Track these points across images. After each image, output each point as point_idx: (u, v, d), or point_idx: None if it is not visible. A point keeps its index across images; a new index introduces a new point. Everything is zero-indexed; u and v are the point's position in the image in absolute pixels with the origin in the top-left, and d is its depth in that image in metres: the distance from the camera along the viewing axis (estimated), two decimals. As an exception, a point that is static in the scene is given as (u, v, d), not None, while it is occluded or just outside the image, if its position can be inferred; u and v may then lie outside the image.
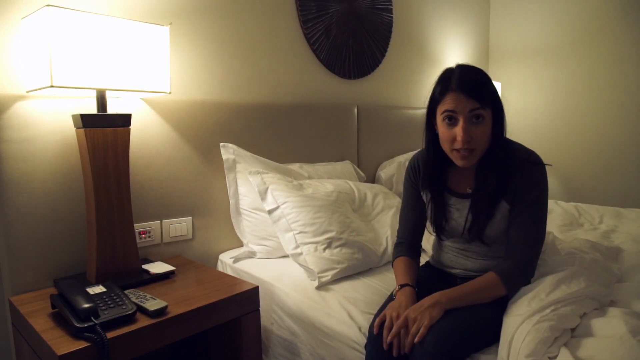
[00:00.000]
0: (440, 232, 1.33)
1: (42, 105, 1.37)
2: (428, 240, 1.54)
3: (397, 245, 1.40)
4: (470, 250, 1.30)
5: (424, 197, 1.34)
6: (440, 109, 1.16)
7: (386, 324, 1.08)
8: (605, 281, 1.25)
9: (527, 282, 1.18)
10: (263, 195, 1.67)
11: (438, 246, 1.41)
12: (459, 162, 1.18)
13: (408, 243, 1.38)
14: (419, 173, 1.34)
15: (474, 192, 1.23)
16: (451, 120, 1.14)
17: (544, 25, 3.20)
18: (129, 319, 1.11)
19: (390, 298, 1.25)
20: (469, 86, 1.11)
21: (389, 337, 1.05)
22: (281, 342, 1.49)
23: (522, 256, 1.16)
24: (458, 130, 1.12)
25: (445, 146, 1.19)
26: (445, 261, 1.36)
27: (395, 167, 2.42)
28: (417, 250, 1.39)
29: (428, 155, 1.29)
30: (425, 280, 1.33)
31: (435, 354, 1.01)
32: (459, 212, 1.27)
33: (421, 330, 1.02)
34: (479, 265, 1.29)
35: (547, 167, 1.20)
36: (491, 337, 1.09)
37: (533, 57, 3.28)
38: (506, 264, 1.17)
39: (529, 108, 3.32)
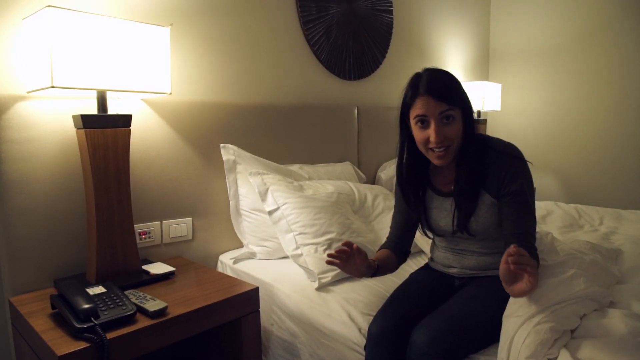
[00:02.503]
0: (432, 232, 1.35)
1: (43, 105, 1.37)
2: (427, 243, 1.55)
3: (383, 244, 1.43)
4: (466, 249, 1.31)
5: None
6: (412, 114, 1.20)
7: None
8: (605, 282, 1.25)
9: (537, 266, 1.17)
10: (263, 196, 1.67)
11: (435, 247, 1.43)
12: (435, 161, 1.21)
13: (392, 242, 1.40)
14: None
15: (455, 187, 1.25)
16: (423, 123, 1.18)
17: (544, 26, 3.20)
18: (128, 320, 1.11)
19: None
20: (437, 90, 1.15)
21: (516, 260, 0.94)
22: (281, 343, 1.49)
23: (528, 242, 1.16)
24: (431, 132, 1.16)
25: (421, 148, 1.23)
26: (444, 260, 1.37)
27: (395, 169, 2.42)
28: (401, 249, 1.40)
29: (401, 157, 1.32)
30: (424, 282, 1.34)
31: (431, 354, 1.02)
32: (447, 211, 1.29)
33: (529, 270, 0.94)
34: (475, 262, 1.30)
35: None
36: (489, 337, 1.10)
37: (533, 59, 3.28)
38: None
39: (529, 109, 3.32)
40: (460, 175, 1.23)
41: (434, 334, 1.05)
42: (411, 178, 1.31)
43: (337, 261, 1.12)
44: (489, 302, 1.15)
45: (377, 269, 1.27)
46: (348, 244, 1.13)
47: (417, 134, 1.20)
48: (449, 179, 1.28)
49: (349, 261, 1.14)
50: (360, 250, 1.15)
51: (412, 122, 1.21)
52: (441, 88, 1.16)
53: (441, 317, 1.10)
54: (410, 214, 1.36)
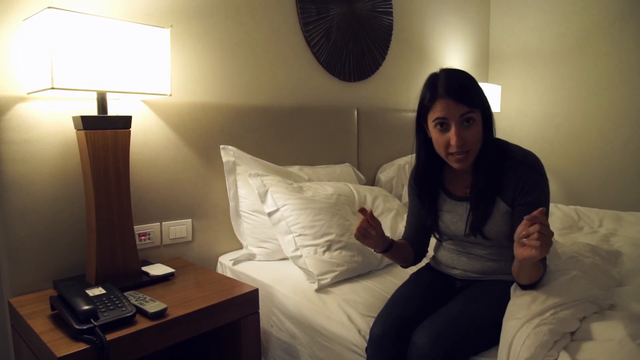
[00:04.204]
0: (442, 235, 1.35)
1: (43, 107, 1.37)
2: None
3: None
4: (474, 252, 1.31)
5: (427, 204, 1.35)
6: (431, 117, 1.17)
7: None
8: (605, 285, 1.25)
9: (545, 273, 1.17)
10: (263, 197, 1.67)
11: (440, 247, 1.43)
12: (455, 165, 1.19)
13: (409, 239, 1.42)
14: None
15: (471, 192, 1.23)
16: (443, 126, 1.15)
17: (544, 28, 3.21)
18: (128, 321, 1.11)
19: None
20: (457, 92, 1.12)
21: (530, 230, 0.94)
22: (280, 344, 1.49)
23: None
24: (451, 135, 1.13)
25: (440, 151, 1.20)
26: (447, 261, 1.37)
27: (395, 170, 2.43)
28: (417, 248, 1.41)
29: (418, 160, 1.31)
30: (425, 283, 1.34)
31: (432, 356, 1.02)
32: (459, 216, 1.27)
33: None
34: (481, 266, 1.29)
35: (546, 169, 1.21)
36: (489, 339, 1.10)
37: (533, 60, 3.29)
38: None
39: (529, 111, 3.33)
40: (477, 180, 1.21)
41: (435, 335, 1.05)
42: (427, 181, 1.31)
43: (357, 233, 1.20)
44: (490, 305, 1.15)
45: (391, 244, 1.28)
46: (362, 211, 1.18)
47: (437, 137, 1.18)
48: (465, 184, 1.27)
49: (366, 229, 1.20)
50: (374, 217, 1.20)
51: (431, 125, 1.18)
52: (461, 89, 1.13)
53: (442, 319, 1.10)
54: (424, 216, 1.36)
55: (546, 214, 1.18)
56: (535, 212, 0.95)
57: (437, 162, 1.28)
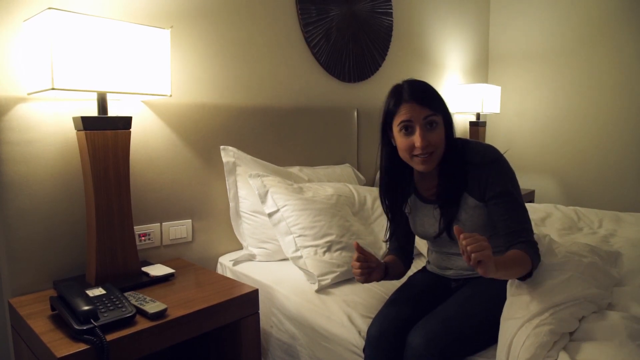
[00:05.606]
0: (424, 238, 1.37)
1: (43, 107, 1.37)
2: (426, 245, 1.55)
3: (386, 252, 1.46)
4: (458, 251, 1.31)
5: (405, 210, 1.37)
6: (397, 120, 1.21)
7: None
8: (604, 284, 1.25)
9: (539, 261, 1.16)
10: (263, 198, 1.67)
11: (430, 250, 1.44)
12: (419, 167, 1.21)
13: (394, 249, 1.42)
14: None
15: (438, 196, 1.26)
16: (408, 129, 1.19)
17: (544, 29, 3.21)
18: (128, 322, 1.11)
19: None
20: (421, 96, 1.19)
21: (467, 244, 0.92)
22: (280, 345, 1.49)
23: (526, 238, 1.15)
24: (416, 137, 1.17)
25: (404, 155, 1.23)
26: (439, 263, 1.38)
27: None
28: (405, 253, 1.42)
29: (381, 168, 1.32)
30: (422, 284, 1.35)
31: (428, 356, 1.02)
32: (434, 218, 1.29)
33: (481, 253, 0.91)
34: None
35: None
36: (485, 339, 1.10)
37: (532, 61, 3.29)
38: (519, 247, 1.13)
39: (529, 112, 3.33)
40: (442, 182, 1.24)
41: (430, 335, 1.05)
42: (393, 187, 1.32)
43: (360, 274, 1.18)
44: (485, 303, 1.16)
45: (386, 269, 1.28)
46: (360, 251, 1.18)
47: (402, 141, 1.21)
48: (433, 186, 1.29)
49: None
50: (363, 248, 1.19)
51: (396, 129, 1.22)
52: (424, 94, 1.20)
53: (437, 319, 1.11)
54: (402, 224, 1.38)
55: (518, 196, 1.19)
56: (456, 232, 0.94)
57: (403, 167, 1.30)
